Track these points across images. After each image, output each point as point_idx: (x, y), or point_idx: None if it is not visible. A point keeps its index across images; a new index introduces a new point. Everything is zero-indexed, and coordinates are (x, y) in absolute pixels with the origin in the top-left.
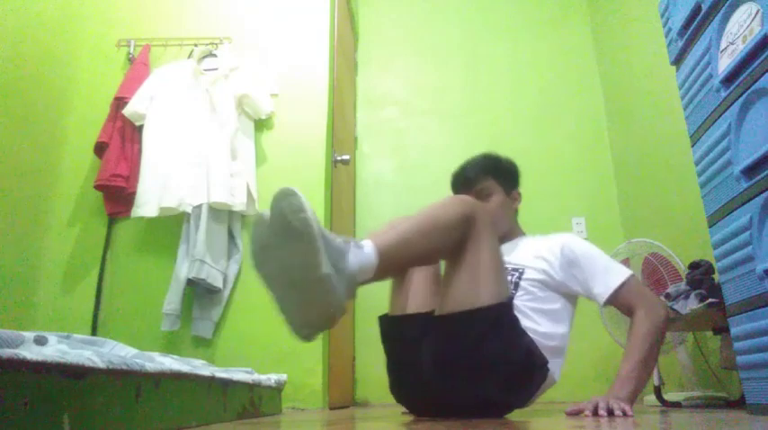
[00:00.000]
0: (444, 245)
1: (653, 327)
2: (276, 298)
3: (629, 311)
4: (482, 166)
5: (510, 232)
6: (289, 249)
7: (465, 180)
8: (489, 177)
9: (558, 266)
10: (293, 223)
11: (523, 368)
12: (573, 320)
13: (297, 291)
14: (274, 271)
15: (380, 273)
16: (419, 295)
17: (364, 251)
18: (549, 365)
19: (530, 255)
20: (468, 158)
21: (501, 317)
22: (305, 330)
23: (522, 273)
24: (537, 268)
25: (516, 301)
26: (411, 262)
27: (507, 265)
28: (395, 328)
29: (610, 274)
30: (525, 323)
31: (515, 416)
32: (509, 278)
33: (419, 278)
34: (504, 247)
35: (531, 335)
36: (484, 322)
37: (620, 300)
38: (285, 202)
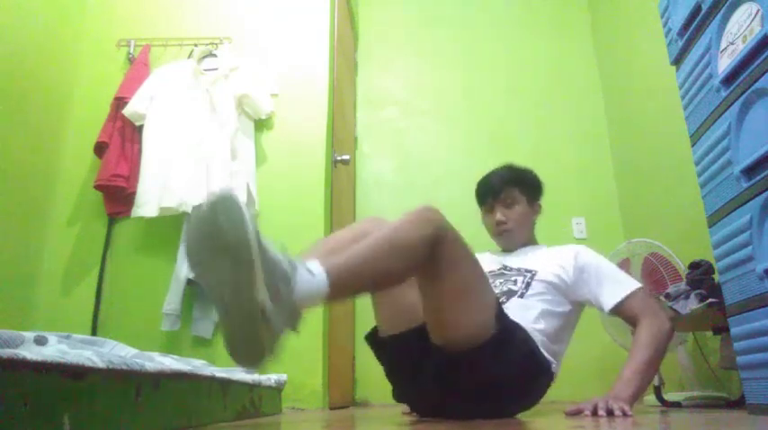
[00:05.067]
0: (407, 266)
1: (656, 336)
2: (216, 312)
3: (634, 322)
4: (508, 177)
5: (526, 241)
6: (221, 265)
7: (491, 189)
8: (514, 187)
9: (571, 271)
10: (229, 239)
11: (528, 379)
12: (574, 330)
13: (227, 314)
14: (209, 283)
15: (331, 300)
16: (409, 308)
17: (315, 278)
18: (552, 367)
19: (544, 260)
20: (492, 169)
21: (496, 347)
22: (236, 358)
23: (534, 275)
24: (550, 271)
25: (526, 300)
26: (368, 286)
27: (520, 268)
28: (388, 349)
29: (619, 284)
30: (532, 326)
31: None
32: (521, 279)
33: (403, 289)
34: (518, 253)
35: (538, 335)
36: (480, 356)
37: (626, 310)
38: (222, 213)
